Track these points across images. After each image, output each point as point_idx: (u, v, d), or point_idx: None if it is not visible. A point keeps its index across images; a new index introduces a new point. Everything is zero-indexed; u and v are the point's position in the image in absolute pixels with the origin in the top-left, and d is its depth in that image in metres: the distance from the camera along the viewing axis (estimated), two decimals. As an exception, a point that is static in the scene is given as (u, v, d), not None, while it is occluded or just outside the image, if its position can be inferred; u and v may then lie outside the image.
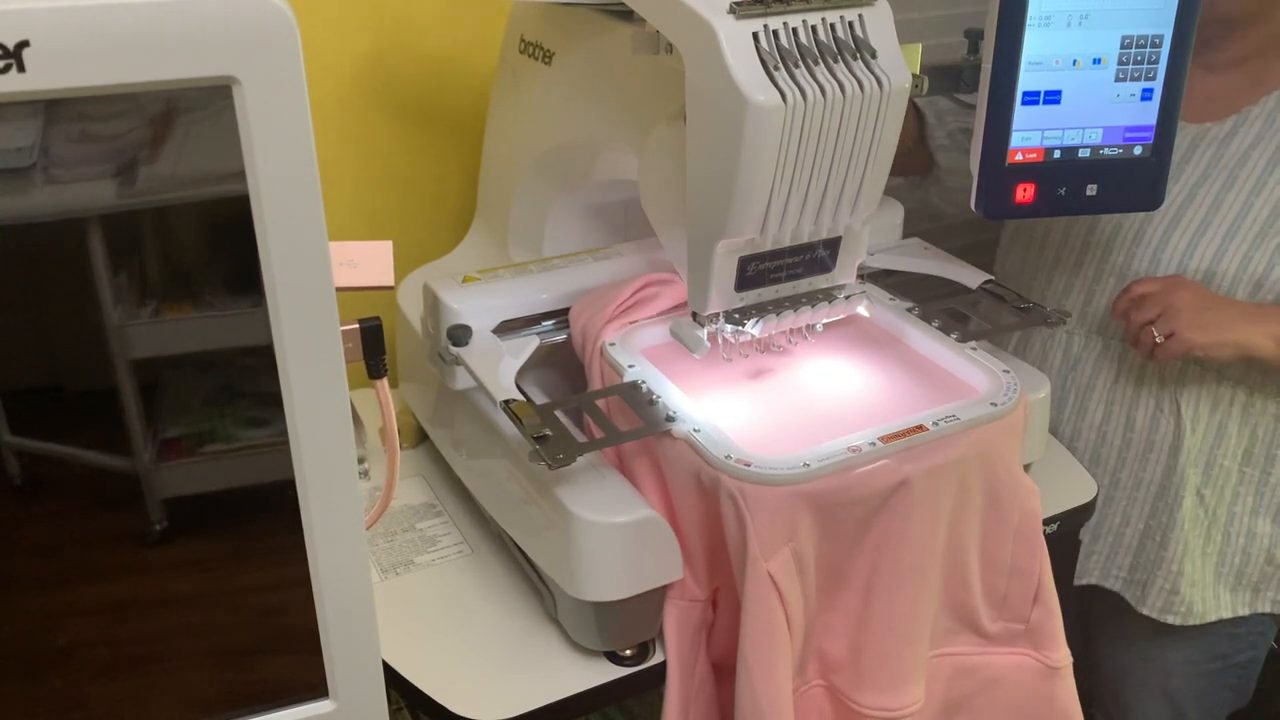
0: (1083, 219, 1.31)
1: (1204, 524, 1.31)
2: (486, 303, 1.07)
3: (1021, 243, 1.41)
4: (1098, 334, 1.33)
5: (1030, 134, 1.07)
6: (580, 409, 1.01)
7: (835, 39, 0.90)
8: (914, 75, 0.97)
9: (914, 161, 1.42)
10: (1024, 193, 1.09)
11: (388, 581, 1.09)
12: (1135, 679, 1.44)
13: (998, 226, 1.50)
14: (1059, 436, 1.36)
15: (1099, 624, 1.47)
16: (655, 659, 0.99)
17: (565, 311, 1.09)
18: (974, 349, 1.06)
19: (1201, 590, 1.33)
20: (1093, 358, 1.33)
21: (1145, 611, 1.34)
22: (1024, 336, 1.39)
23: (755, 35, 0.87)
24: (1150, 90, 1.07)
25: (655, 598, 0.97)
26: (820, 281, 1.03)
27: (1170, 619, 1.33)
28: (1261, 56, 1.25)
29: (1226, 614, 1.34)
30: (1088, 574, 1.38)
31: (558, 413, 0.97)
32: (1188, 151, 1.27)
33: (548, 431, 0.93)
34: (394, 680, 0.97)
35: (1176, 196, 1.26)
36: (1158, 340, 1.18)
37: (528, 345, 1.06)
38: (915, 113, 1.37)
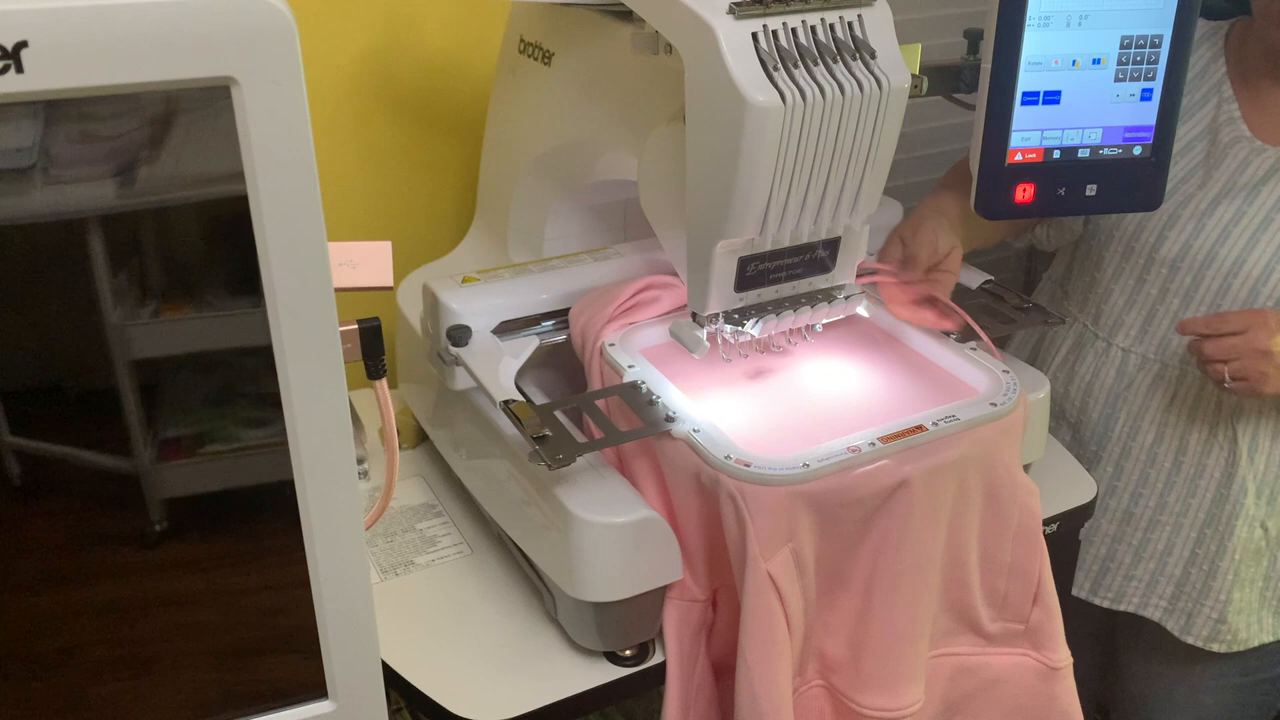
0: (1147, 234, 1.27)
1: (1264, 554, 1.30)
2: (486, 303, 1.07)
3: (1082, 254, 1.37)
4: (1155, 356, 1.29)
5: (1030, 134, 1.07)
6: (580, 409, 1.01)
7: (835, 39, 0.90)
8: (914, 75, 0.97)
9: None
10: (1024, 193, 1.09)
11: (388, 582, 1.09)
12: (1162, 694, 1.43)
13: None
14: (1107, 457, 1.34)
15: (1126, 639, 1.44)
16: (655, 659, 0.99)
17: (565, 312, 1.09)
18: (974, 349, 1.06)
19: (1247, 617, 1.31)
20: (1148, 380, 1.30)
21: (1190, 640, 1.32)
22: (1075, 351, 1.37)
23: (755, 35, 0.87)
24: (1150, 90, 1.07)
25: (655, 598, 0.97)
26: (820, 282, 1.03)
27: (1215, 647, 1.32)
28: None
29: (1269, 638, 1.32)
30: (1125, 600, 1.35)
31: (557, 413, 0.97)
32: (1267, 174, 1.23)
33: (547, 432, 0.93)
34: (394, 680, 0.97)
35: (1253, 219, 1.22)
36: (1227, 384, 1.15)
37: (527, 345, 1.06)
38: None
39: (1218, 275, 1.23)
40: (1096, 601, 1.37)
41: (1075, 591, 1.37)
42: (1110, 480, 1.34)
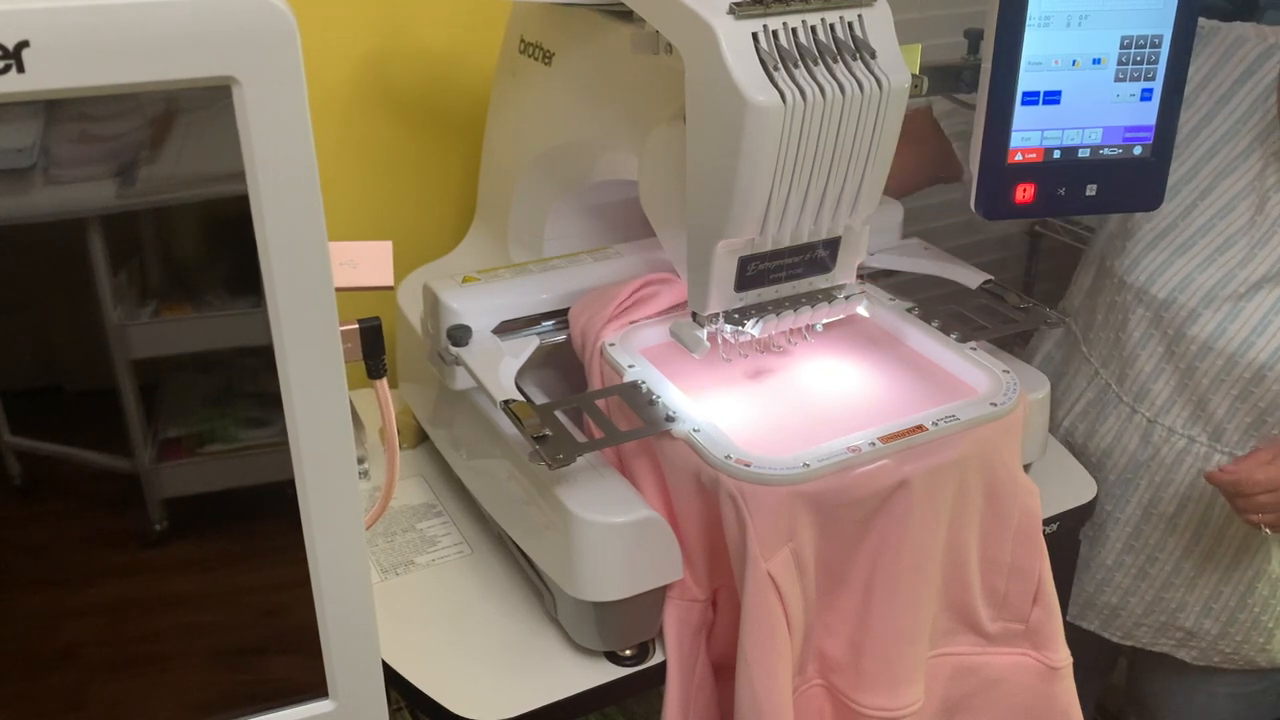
0: (1178, 307, 1.20)
1: None
2: (486, 303, 1.07)
3: (1105, 306, 1.31)
4: (1183, 431, 1.24)
5: (1030, 134, 1.07)
6: (580, 409, 1.01)
7: (835, 39, 0.90)
8: (914, 75, 0.97)
9: (945, 171, 1.37)
10: (1024, 193, 1.09)
11: (388, 581, 1.09)
12: (1177, 702, 1.42)
13: (996, 226, 1.49)
14: (1126, 520, 1.30)
15: (1140, 652, 1.42)
16: (655, 659, 0.99)
17: (565, 311, 1.09)
18: (974, 349, 1.06)
19: (1269, 648, 1.31)
20: (1173, 454, 1.25)
21: (1203, 663, 1.33)
22: (1096, 406, 1.32)
23: (755, 35, 0.87)
24: (1150, 90, 1.07)
25: (655, 598, 0.97)
26: (820, 281, 1.03)
27: (1227, 665, 1.32)
28: None
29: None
30: (1135, 639, 1.35)
31: (558, 413, 0.97)
32: None
33: (548, 431, 0.93)
34: (394, 680, 0.97)
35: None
36: (1267, 533, 1.15)
37: (528, 345, 1.06)
38: (936, 128, 1.34)
39: (1251, 366, 1.17)
40: (1106, 635, 1.36)
41: (1083, 623, 1.37)
42: (1128, 539, 1.31)
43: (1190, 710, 1.41)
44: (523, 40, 1.21)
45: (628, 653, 0.99)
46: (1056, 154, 1.08)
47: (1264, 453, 1.14)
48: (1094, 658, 1.48)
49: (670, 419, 0.95)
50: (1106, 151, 1.09)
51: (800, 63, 0.88)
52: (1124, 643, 1.36)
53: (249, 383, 0.64)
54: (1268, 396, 1.18)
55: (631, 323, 1.07)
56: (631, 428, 0.96)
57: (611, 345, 1.04)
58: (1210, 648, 1.32)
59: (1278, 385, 1.17)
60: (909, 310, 1.13)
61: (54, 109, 0.54)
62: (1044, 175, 1.08)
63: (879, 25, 0.92)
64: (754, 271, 0.98)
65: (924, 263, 1.24)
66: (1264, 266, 1.17)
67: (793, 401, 1.04)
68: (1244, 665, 1.33)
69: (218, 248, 0.62)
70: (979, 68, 1.06)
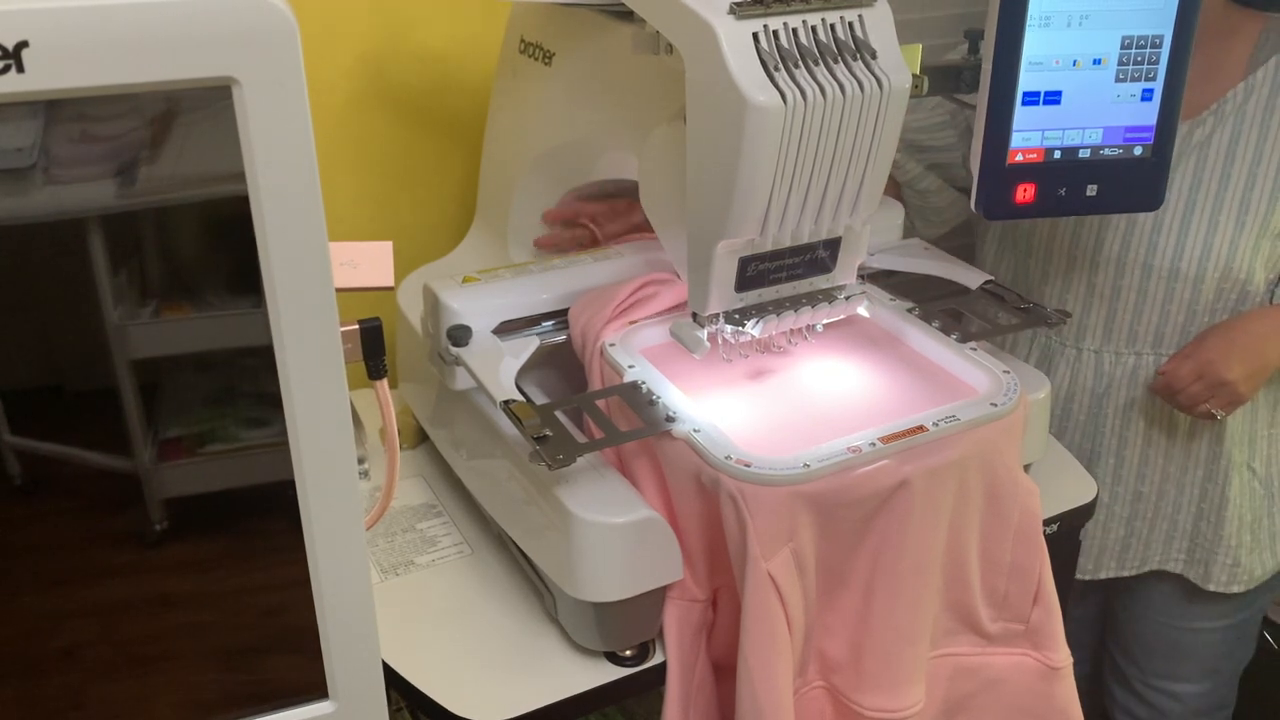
0: (1085, 238, 1.32)
1: (1259, 494, 1.39)
2: (486, 303, 1.07)
3: (1022, 271, 1.41)
4: (1127, 349, 1.35)
5: (1030, 134, 1.07)
6: (580, 409, 1.01)
7: (835, 39, 0.90)
8: (914, 75, 0.97)
9: None
10: (1024, 193, 1.09)
11: (388, 582, 1.09)
12: (1167, 646, 1.49)
13: (955, 223, 1.51)
14: (1106, 451, 1.39)
15: (1129, 609, 1.51)
16: (655, 659, 0.99)
17: (565, 312, 1.09)
18: (974, 349, 1.06)
19: (1259, 555, 1.39)
20: (1126, 373, 1.35)
21: (1211, 588, 1.40)
22: (1043, 364, 1.40)
23: (755, 35, 0.87)
24: (1150, 90, 1.07)
25: (655, 598, 0.97)
26: (820, 282, 1.03)
27: (1235, 588, 1.40)
28: None
29: (1273, 570, 1.41)
30: (1149, 562, 1.42)
31: (558, 413, 0.97)
32: (1179, 154, 1.27)
33: (548, 432, 0.93)
34: (394, 680, 0.97)
35: (1178, 201, 1.27)
36: (1219, 416, 1.27)
37: (528, 345, 1.06)
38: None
39: (1164, 262, 1.29)
40: (1126, 574, 1.44)
41: (1099, 573, 1.44)
42: (1115, 470, 1.40)
43: (1181, 649, 1.49)
44: (523, 40, 1.21)
45: (628, 653, 0.99)
46: (1057, 154, 1.08)
47: (1182, 351, 1.29)
48: (1089, 650, 1.58)
49: (670, 419, 0.94)
50: (1107, 152, 1.09)
51: (800, 63, 0.88)
52: (1141, 570, 1.43)
53: (249, 383, 0.64)
54: (1188, 287, 1.29)
55: (631, 323, 1.07)
56: (631, 428, 0.96)
57: (612, 345, 1.04)
58: (1210, 559, 1.39)
59: (1192, 271, 1.28)
60: (909, 310, 1.13)
61: (54, 109, 0.54)
62: (1044, 175, 1.08)
63: (879, 25, 0.92)
64: (754, 272, 0.98)
65: (924, 263, 1.24)
66: (1184, 196, 1.29)
67: (793, 402, 1.04)
68: (1250, 581, 1.40)
69: (218, 248, 0.62)
70: (979, 68, 1.06)
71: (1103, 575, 1.44)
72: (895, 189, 1.44)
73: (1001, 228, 1.43)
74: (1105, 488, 1.39)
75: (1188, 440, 1.36)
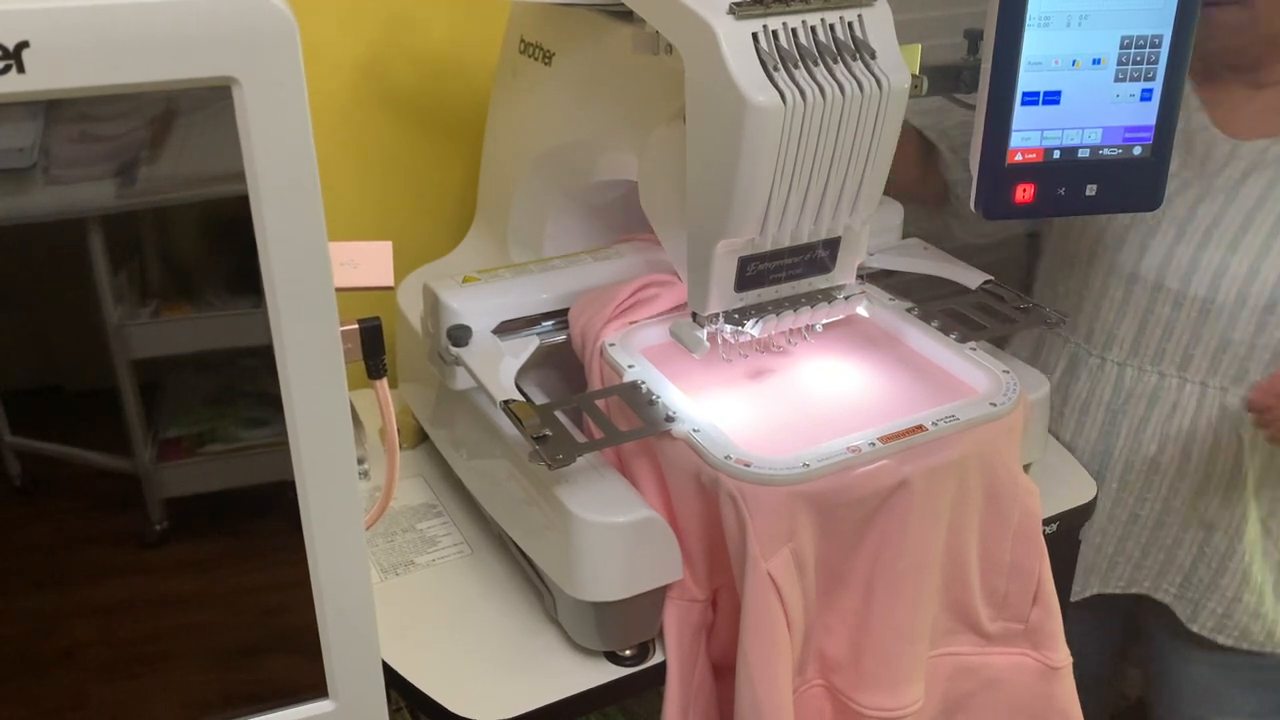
0: (1130, 246, 1.28)
1: (1272, 553, 1.31)
2: (486, 303, 1.07)
3: (1064, 275, 1.37)
4: (1152, 367, 1.29)
5: (1030, 134, 1.07)
6: (580, 409, 1.01)
7: (835, 39, 0.90)
8: (914, 75, 0.97)
9: (927, 192, 1.40)
10: (1024, 193, 1.09)
11: (388, 581, 1.09)
12: (1196, 691, 1.42)
13: (996, 227, 1.49)
14: (1110, 473, 1.34)
15: (1146, 629, 1.45)
16: (655, 659, 0.99)
17: (565, 311, 1.09)
18: (974, 349, 1.06)
19: (1262, 619, 1.32)
20: (1146, 391, 1.30)
21: (1195, 629, 1.34)
22: (1070, 372, 1.37)
23: (755, 36, 0.87)
24: (1150, 90, 1.07)
25: (655, 598, 0.97)
26: (820, 282, 1.03)
27: (1221, 639, 1.33)
28: None
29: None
30: (1136, 585, 1.37)
31: (558, 413, 0.97)
32: (1244, 173, 1.24)
33: (548, 431, 0.93)
34: (394, 680, 0.97)
35: (1234, 221, 1.23)
36: None
37: (528, 345, 1.06)
38: (922, 142, 1.36)
39: (1203, 281, 1.23)
40: (1109, 590, 1.38)
41: (1085, 592, 1.38)
42: (1116, 493, 1.34)
43: (1210, 699, 1.41)
44: (523, 40, 1.21)
45: (628, 653, 0.99)
46: (1056, 154, 1.08)
47: None
48: (1099, 660, 1.49)
49: (670, 419, 0.95)
50: (1106, 151, 1.09)
51: (800, 63, 0.88)
52: (1127, 591, 1.37)
53: (249, 383, 0.64)
54: (1226, 309, 1.23)
55: (631, 323, 1.07)
56: (631, 428, 0.96)
57: (611, 345, 1.04)
58: (1201, 602, 1.32)
59: (1231, 295, 1.22)
60: (909, 310, 1.13)
61: (54, 109, 0.54)
62: (1044, 175, 1.08)
63: (879, 25, 0.92)
64: (754, 272, 0.98)
65: (924, 263, 1.24)
66: (1195, 188, 1.25)
67: (793, 401, 1.04)
68: (1241, 638, 1.33)
69: (218, 248, 0.62)
70: (979, 68, 1.06)
71: (1088, 593, 1.39)
72: (943, 190, 1.39)
73: (1055, 234, 1.39)
74: (1104, 507, 1.34)
75: (1202, 478, 1.29)
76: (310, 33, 0.56)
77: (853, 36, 0.91)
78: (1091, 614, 1.39)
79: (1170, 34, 1.05)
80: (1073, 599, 1.36)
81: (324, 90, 1.33)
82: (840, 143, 0.92)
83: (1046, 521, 1.14)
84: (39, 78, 0.52)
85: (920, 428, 0.94)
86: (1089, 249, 1.32)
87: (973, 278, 1.21)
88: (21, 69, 0.52)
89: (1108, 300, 1.31)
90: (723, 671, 0.99)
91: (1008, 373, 1.02)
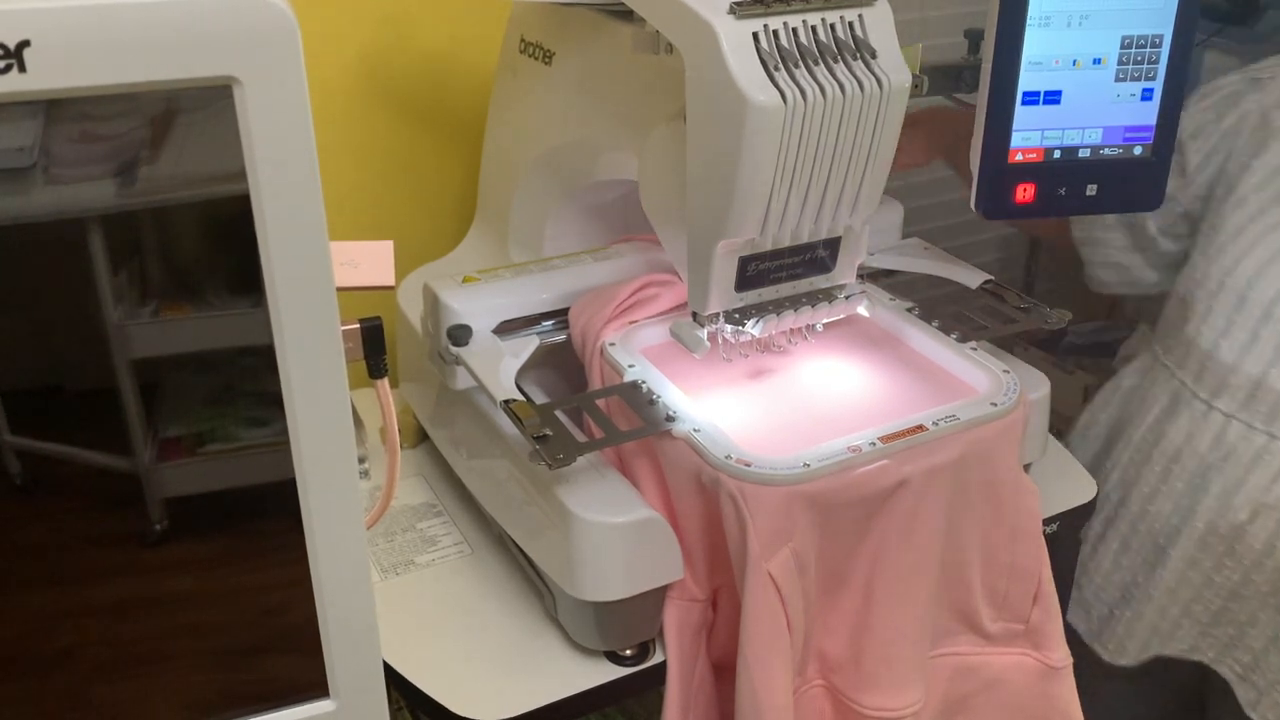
0: (1267, 281, 1.15)
1: None
2: (486, 303, 1.07)
3: (1184, 305, 1.24)
4: (1263, 427, 1.15)
5: (1030, 134, 1.07)
6: (580, 409, 1.01)
7: (835, 39, 0.90)
8: (914, 75, 0.97)
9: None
10: (1024, 193, 1.09)
11: (388, 581, 1.09)
12: None
13: (996, 226, 1.48)
14: (1191, 528, 1.21)
15: (1209, 707, 1.34)
16: (655, 659, 0.99)
17: (565, 311, 1.09)
18: (974, 349, 1.06)
19: None
20: (1250, 453, 1.16)
21: (1254, 718, 1.22)
22: (1170, 405, 1.24)
23: (755, 35, 0.87)
24: (1150, 90, 1.07)
25: (655, 598, 0.97)
26: (820, 281, 1.03)
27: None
28: None
29: None
30: (1199, 652, 1.25)
31: (558, 413, 0.97)
32: None
33: (548, 431, 0.93)
34: (394, 680, 0.97)
35: None
36: None
37: (528, 345, 1.06)
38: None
39: None
40: (1168, 653, 1.27)
41: (1145, 653, 1.28)
42: (1192, 554, 1.22)
43: None
44: (523, 40, 1.21)
45: (628, 653, 0.99)
46: (1057, 154, 1.08)
47: None
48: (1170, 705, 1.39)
49: (670, 419, 0.95)
50: (1107, 151, 1.09)
51: (800, 62, 0.88)
52: (1188, 657, 1.26)
53: (249, 382, 0.64)
54: None
55: (632, 323, 1.07)
56: (631, 428, 0.96)
57: (612, 345, 1.04)
58: (1267, 691, 1.21)
59: None
60: (909, 310, 1.13)
61: (54, 109, 0.54)
62: (1044, 175, 1.08)
63: (879, 25, 0.92)
64: (754, 271, 0.98)
65: (924, 263, 1.24)
66: None
67: (793, 401, 1.04)
68: None
69: (218, 247, 0.62)
70: (979, 68, 1.06)
71: (1148, 655, 1.28)
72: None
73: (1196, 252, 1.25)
74: (1178, 569, 1.22)
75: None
76: (311, 33, 0.56)
77: (853, 36, 0.91)
78: (1149, 679, 1.31)
79: (1171, 34, 1.05)
80: (1134, 661, 1.27)
81: (325, 90, 1.33)
82: (841, 142, 0.92)
83: (1046, 521, 1.14)
84: (40, 77, 0.52)
85: (921, 428, 0.94)
86: (1217, 279, 1.19)
87: (973, 278, 1.21)
88: (23, 68, 0.52)
89: (1229, 341, 1.16)
90: (723, 671, 0.99)
91: (1008, 372, 1.02)
